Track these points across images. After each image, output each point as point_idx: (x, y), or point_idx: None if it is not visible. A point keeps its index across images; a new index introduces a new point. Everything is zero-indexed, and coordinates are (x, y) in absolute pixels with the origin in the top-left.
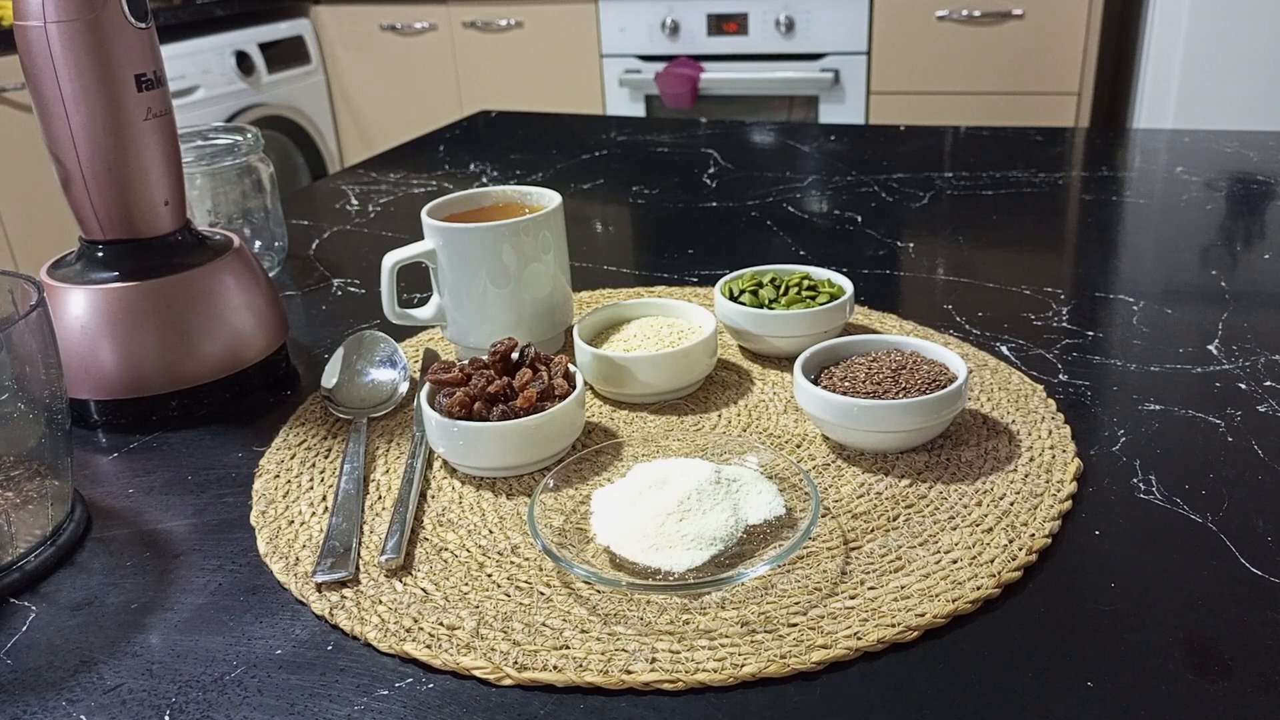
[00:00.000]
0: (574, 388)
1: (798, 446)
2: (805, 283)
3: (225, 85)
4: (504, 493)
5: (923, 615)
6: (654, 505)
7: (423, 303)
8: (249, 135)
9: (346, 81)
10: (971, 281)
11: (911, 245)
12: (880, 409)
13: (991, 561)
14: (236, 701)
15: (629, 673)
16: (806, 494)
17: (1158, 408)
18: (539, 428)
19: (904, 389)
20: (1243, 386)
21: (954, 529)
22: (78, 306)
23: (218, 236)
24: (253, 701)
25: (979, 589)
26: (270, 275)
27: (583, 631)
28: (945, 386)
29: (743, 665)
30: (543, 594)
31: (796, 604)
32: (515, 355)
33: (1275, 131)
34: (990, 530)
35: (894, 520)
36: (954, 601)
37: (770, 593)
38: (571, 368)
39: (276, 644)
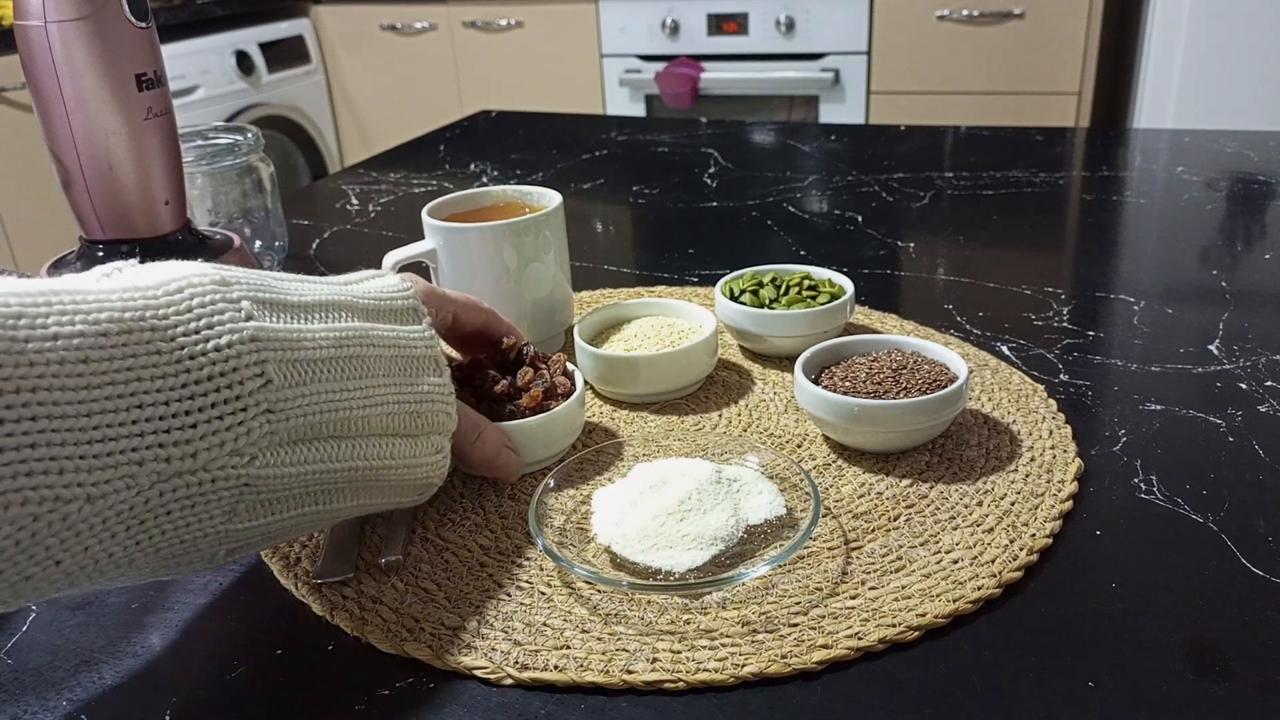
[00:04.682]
0: (574, 385)
1: (798, 446)
2: (806, 282)
3: (225, 85)
4: (504, 493)
5: (924, 615)
6: (655, 505)
7: None
8: (249, 135)
9: (346, 81)
10: (972, 281)
11: (912, 245)
12: (881, 409)
13: (992, 561)
14: (237, 701)
15: (630, 672)
16: (807, 494)
17: (1158, 408)
18: (542, 426)
19: (904, 389)
20: (1243, 386)
21: (955, 529)
22: None
23: (218, 236)
24: (253, 701)
25: (980, 589)
26: None
27: (584, 631)
28: (946, 386)
29: (744, 665)
30: (543, 594)
31: (797, 604)
32: (513, 355)
33: (1276, 131)
34: (991, 530)
35: (895, 520)
36: (955, 601)
37: (771, 592)
38: (570, 365)
39: (277, 644)
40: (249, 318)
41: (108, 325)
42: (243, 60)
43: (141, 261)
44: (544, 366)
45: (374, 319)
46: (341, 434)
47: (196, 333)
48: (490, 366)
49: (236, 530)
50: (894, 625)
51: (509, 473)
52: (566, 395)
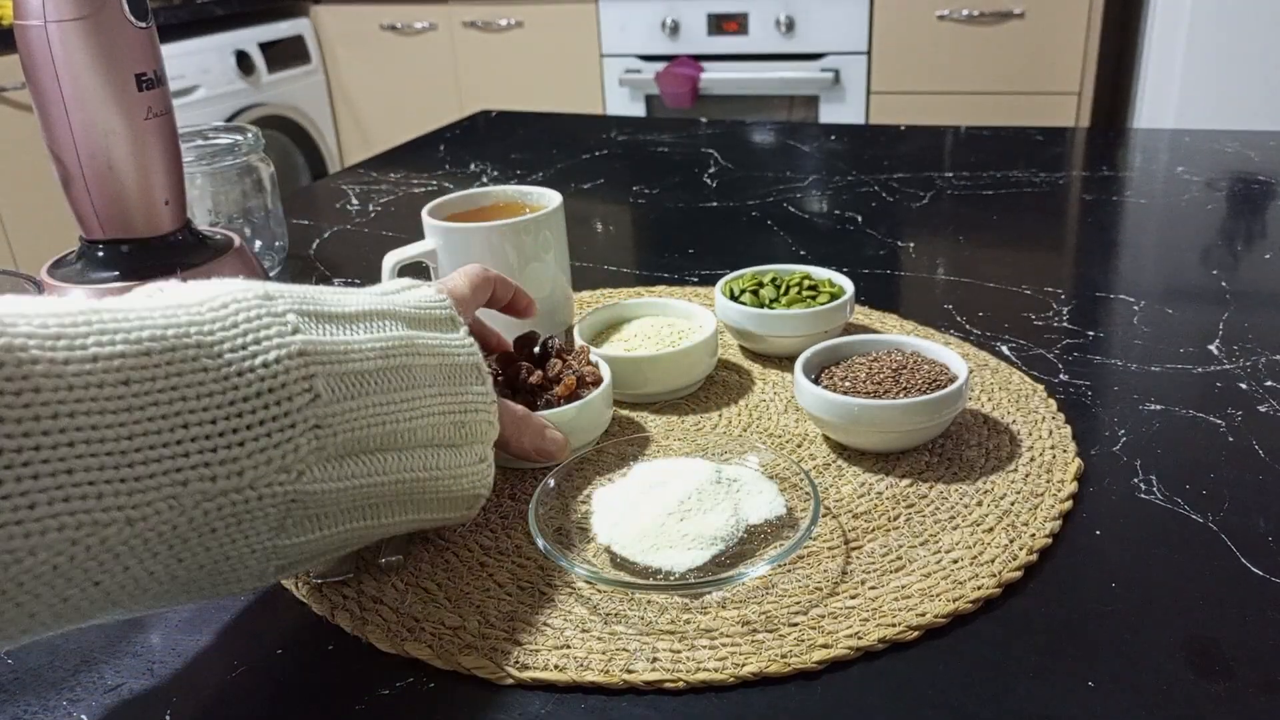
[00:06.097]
0: (602, 374)
1: (798, 446)
2: (806, 282)
3: (225, 85)
4: (505, 493)
5: (923, 615)
6: (655, 505)
7: None
8: (249, 135)
9: (346, 81)
10: (972, 281)
11: (912, 245)
12: (881, 409)
13: (992, 561)
14: (237, 701)
15: (630, 672)
16: (807, 494)
17: (1158, 408)
18: (581, 413)
19: (905, 389)
20: (1243, 386)
21: (955, 529)
22: None
23: (218, 236)
24: (253, 701)
25: (980, 589)
26: (271, 275)
27: (584, 631)
28: (946, 386)
29: (744, 665)
30: (544, 594)
31: (797, 603)
32: (537, 349)
33: (1276, 131)
34: (991, 530)
35: (895, 520)
36: (955, 601)
37: (771, 592)
38: (594, 356)
39: (277, 644)
40: (295, 331)
41: (150, 344)
42: (243, 60)
43: (141, 261)
44: (569, 358)
45: (417, 328)
46: (388, 446)
47: (243, 348)
48: (520, 359)
49: (284, 546)
50: (894, 625)
51: (556, 451)
52: (596, 383)
